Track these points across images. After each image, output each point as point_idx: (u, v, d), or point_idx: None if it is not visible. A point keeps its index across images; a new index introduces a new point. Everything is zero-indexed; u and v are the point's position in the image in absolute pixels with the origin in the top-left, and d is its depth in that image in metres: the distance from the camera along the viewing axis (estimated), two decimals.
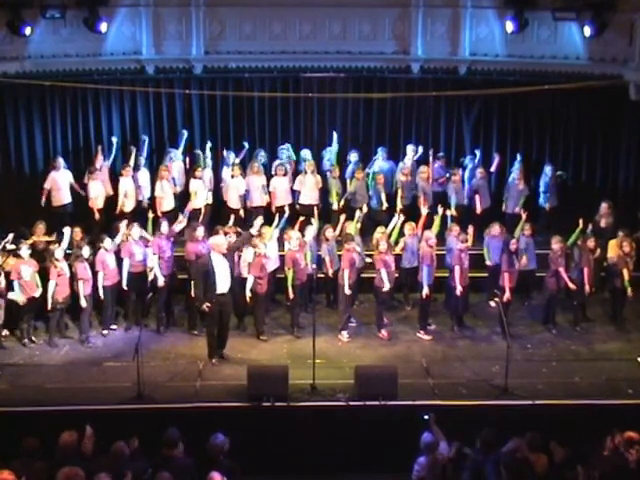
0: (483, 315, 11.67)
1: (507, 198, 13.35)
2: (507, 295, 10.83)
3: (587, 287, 11.15)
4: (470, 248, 11.32)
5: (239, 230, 11.45)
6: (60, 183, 13.00)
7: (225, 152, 13.76)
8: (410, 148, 13.83)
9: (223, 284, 10.00)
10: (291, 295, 11.02)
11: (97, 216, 12.80)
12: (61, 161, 13.17)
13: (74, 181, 13.17)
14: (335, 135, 13.73)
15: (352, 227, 11.73)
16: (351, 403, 9.05)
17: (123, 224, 11.43)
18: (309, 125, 14.39)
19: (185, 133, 13.77)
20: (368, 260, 11.51)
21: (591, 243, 11.31)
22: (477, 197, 13.34)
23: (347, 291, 10.79)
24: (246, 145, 13.72)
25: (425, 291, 10.91)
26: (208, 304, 9.94)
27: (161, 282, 11.01)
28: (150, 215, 11.91)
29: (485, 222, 12.39)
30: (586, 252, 11.27)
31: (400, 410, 8.93)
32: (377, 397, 8.98)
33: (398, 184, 13.33)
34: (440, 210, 11.98)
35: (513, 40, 13.33)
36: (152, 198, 13.09)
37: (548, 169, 13.46)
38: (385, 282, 10.81)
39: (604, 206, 12.47)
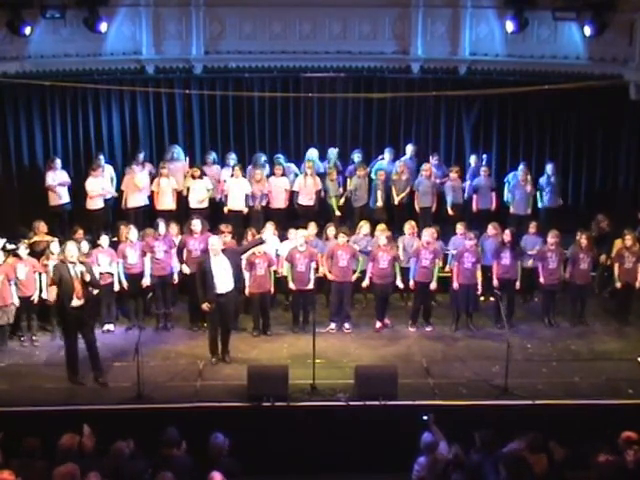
0: (483, 315, 11.67)
1: (513, 200, 13.34)
2: (495, 282, 11.11)
3: (567, 276, 11.28)
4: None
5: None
6: (57, 183, 13.05)
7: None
8: (409, 148, 13.87)
9: (222, 284, 9.97)
10: (292, 286, 11.05)
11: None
12: (58, 161, 13.20)
13: (71, 181, 13.25)
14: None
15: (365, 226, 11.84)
16: (351, 403, 9.03)
17: (123, 225, 11.48)
18: (309, 125, 14.40)
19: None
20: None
21: (584, 241, 11.31)
22: (475, 196, 13.37)
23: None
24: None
25: (411, 284, 11.14)
26: (207, 304, 9.96)
27: (147, 281, 11.04)
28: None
29: (482, 222, 12.42)
30: (577, 247, 11.34)
31: (400, 410, 8.91)
32: (377, 397, 8.96)
33: (390, 182, 13.34)
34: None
35: (513, 40, 13.35)
36: (150, 194, 13.19)
37: (549, 167, 13.45)
38: (366, 279, 11.13)
39: (602, 220, 12.29)
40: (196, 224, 11.07)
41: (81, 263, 9.43)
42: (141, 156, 13.52)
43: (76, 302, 9.28)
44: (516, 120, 14.32)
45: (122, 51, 13.46)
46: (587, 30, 12.71)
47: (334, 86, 13.92)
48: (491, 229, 11.64)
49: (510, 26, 12.98)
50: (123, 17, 13.23)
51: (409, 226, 11.70)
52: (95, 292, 10.06)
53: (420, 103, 14.18)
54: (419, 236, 11.55)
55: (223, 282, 9.96)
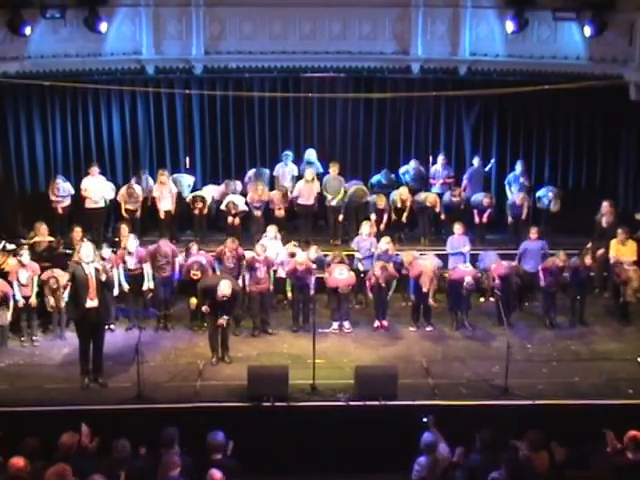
0: (483, 315, 11.68)
1: (509, 209, 13.39)
2: (497, 282, 11.03)
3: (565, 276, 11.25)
4: None
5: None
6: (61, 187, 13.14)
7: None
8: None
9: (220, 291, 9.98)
10: (289, 295, 11.18)
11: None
12: (60, 182, 13.20)
13: (72, 183, 13.31)
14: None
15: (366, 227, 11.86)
16: (351, 403, 9.04)
17: (123, 230, 11.53)
18: (309, 125, 14.39)
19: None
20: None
21: (588, 260, 11.32)
22: (475, 211, 13.38)
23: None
24: None
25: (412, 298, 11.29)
26: (206, 307, 10.01)
27: (151, 285, 11.06)
28: None
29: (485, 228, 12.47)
30: (580, 261, 11.33)
31: (400, 410, 8.92)
32: (377, 397, 8.97)
33: (390, 201, 13.26)
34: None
35: (513, 40, 13.34)
36: (152, 198, 13.26)
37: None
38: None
39: (605, 205, 12.41)
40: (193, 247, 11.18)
41: (97, 263, 9.39)
42: (144, 176, 13.57)
43: (90, 303, 9.23)
44: (516, 120, 14.32)
45: (122, 51, 13.45)
46: (587, 30, 12.71)
47: (334, 86, 13.91)
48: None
49: (510, 26, 12.98)
50: (123, 17, 13.23)
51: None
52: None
53: (420, 103, 14.17)
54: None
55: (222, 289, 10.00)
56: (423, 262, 11.23)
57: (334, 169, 13.36)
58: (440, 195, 13.46)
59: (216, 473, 6.23)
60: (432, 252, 12.14)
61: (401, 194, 13.21)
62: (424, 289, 10.90)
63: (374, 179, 13.90)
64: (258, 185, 13.20)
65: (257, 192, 13.13)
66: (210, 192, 13.51)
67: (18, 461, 6.11)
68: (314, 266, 11.21)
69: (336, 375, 9.60)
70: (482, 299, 12.06)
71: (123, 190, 13.16)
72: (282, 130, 14.32)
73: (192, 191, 13.64)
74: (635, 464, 6.53)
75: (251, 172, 13.81)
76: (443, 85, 13.83)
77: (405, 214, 13.30)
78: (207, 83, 14.05)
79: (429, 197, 13.30)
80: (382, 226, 12.82)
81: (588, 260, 11.22)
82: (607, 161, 14.28)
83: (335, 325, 11.18)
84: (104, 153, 14.03)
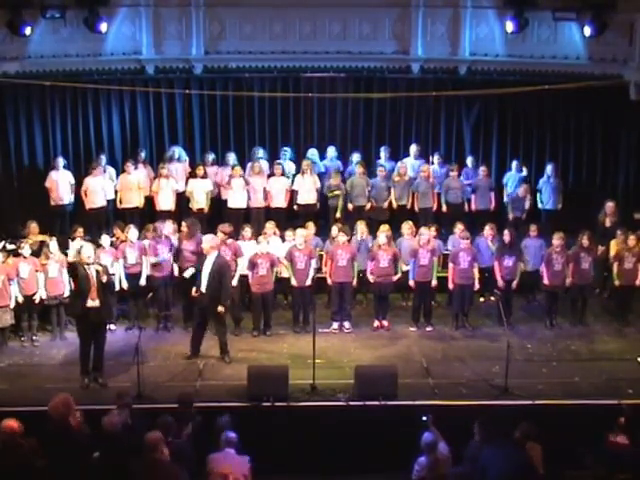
0: (483, 315, 11.68)
1: (510, 207, 13.32)
2: (500, 282, 11.11)
3: (568, 280, 11.20)
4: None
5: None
6: (59, 183, 13.06)
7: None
8: (414, 148, 13.85)
9: (204, 283, 10.06)
10: (294, 282, 11.05)
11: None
12: (61, 161, 13.21)
13: (74, 181, 13.24)
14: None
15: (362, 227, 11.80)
16: (351, 403, 9.04)
17: (121, 225, 11.52)
18: (309, 125, 14.40)
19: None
20: None
21: (585, 241, 11.28)
22: (473, 196, 13.37)
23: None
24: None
25: (411, 283, 11.23)
26: (197, 292, 10.14)
27: (143, 282, 11.07)
28: None
29: (480, 222, 12.42)
30: (578, 247, 11.32)
31: (400, 410, 8.92)
32: (377, 397, 8.97)
33: (390, 183, 13.33)
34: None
35: (513, 40, 13.35)
36: (149, 195, 13.20)
37: (549, 168, 13.44)
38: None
39: (610, 205, 12.38)
40: (184, 226, 11.12)
41: (98, 264, 9.45)
42: (142, 154, 13.55)
43: (91, 303, 9.26)
44: (516, 120, 14.32)
45: (122, 51, 13.47)
46: (587, 30, 12.71)
47: (334, 86, 13.92)
48: (488, 230, 11.62)
49: (510, 26, 12.98)
50: (123, 17, 13.24)
51: (407, 226, 11.68)
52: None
53: (420, 103, 14.18)
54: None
55: (204, 281, 10.04)
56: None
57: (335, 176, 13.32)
58: (439, 194, 13.43)
59: (230, 433, 6.34)
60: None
61: (398, 168, 13.33)
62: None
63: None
64: (255, 164, 13.20)
65: (254, 170, 13.10)
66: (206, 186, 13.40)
67: (12, 423, 6.09)
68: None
69: (336, 375, 9.61)
70: (482, 299, 12.07)
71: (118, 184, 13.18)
72: (282, 130, 14.32)
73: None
74: (626, 448, 6.56)
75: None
76: (443, 85, 13.84)
77: (394, 194, 13.26)
78: (207, 83, 14.05)
79: (422, 167, 13.31)
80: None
81: (586, 241, 11.22)
82: (607, 161, 14.28)
83: (335, 325, 11.19)
84: (104, 153, 13.99)
